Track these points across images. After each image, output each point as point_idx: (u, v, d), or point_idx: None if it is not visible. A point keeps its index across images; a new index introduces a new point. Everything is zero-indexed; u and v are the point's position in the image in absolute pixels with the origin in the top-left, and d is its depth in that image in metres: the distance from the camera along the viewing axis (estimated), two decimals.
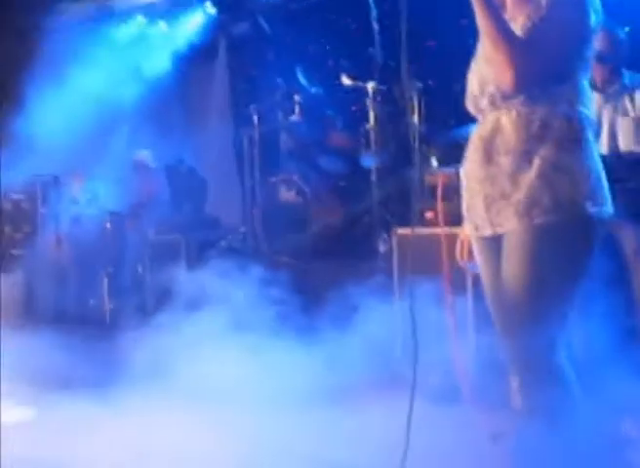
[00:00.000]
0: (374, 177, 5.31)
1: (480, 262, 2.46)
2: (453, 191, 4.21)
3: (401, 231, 4.40)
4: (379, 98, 5.38)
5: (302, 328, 4.28)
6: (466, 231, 2.47)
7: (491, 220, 2.29)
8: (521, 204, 2.20)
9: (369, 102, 5.38)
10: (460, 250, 2.60)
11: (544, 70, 2.18)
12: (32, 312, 7.55)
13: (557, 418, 2.26)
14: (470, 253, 2.57)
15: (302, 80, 6.15)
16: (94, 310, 7.05)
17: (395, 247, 4.40)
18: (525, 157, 2.21)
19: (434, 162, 4.78)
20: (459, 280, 3.92)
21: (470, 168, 2.37)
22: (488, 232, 2.32)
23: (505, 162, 2.24)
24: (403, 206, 5.22)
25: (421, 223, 4.36)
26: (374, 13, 5.43)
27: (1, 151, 7.48)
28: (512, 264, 2.25)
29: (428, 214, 4.28)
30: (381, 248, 4.90)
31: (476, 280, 3.86)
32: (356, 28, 5.74)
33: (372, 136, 5.37)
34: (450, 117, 5.27)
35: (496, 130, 2.28)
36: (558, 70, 2.21)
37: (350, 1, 5.95)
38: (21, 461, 3.23)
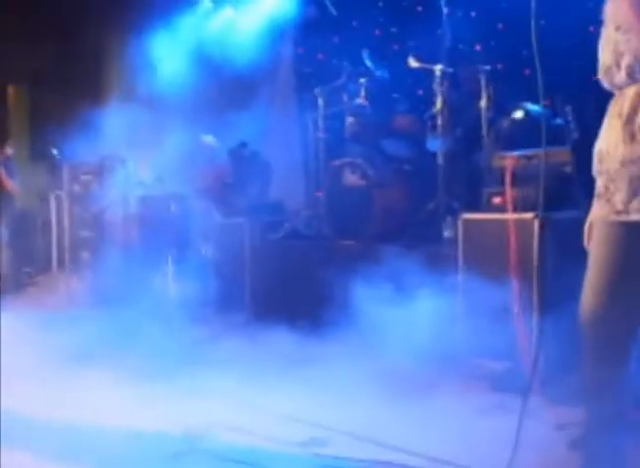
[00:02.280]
0: (440, 161, 5.23)
1: (602, 250, 2.26)
2: (522, 176, 4.14)
3: (467, 216, 4.34)
4: (446, 81, 5.29)
5: (363, 312, 4.28)
6: (599, 215, 2.26)
7: None
8: None
9: (436, 85, 5.29)
10: (588, 233, 2.39)
11: None
12: (100, 291, 7.72)
13: None
14: None
15: (368, 63, 6.08)
16: (158, 291, 7.16)
17: (461, 232, 4.33)
18: None
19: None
20: (526, 268, 3.86)
21: (609, 147, 2.18)
22: (636, 217, 2.13)
23: None
24: (469, 191, 5.13)
25: (489, 209, 4.28)
26: None
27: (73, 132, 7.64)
28: None
29: (496, 200, 4.19)
30: (446, 233, 4.84)
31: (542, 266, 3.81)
32: (423, 10, 5.66)
33: (438, 119, 5.29)
34: (518, 102, 5.15)
35: (638, 105, 2.10)
36: None
37: None
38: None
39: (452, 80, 5.39)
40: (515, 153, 4.19)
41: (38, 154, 9.33)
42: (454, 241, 4.48)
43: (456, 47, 5.43)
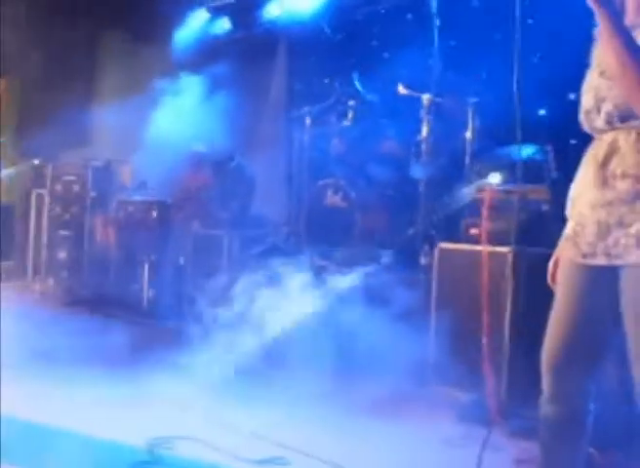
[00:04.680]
0: (421, 189, 5.28)
1: (568, 289, 2.27)
2: (500, 209, 4.19)
3: (443, 245, 4.38)
4: (433, 110, 5.35)
5: (334, 334, 4.29)
6: (566, 256, 2.27)
7: (607, 251, 2.12)
8: None
9: (423, 113, 5.35)
10: (552, 271, 2.41)
11: None
12: (75, 292, 7.68)
13: None
14: None
15: (358, 86, 6.15)
16: (133, 296, 7.14)
17: (436, 260, 4.37)
18: None
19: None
20: (498, 300, 3.90)
21: (582, 191, 2.21)
22: (601, 262, 2.14)
23: (623, 187, 2.08)
24: (448, 220, 5.18)
25: (466, 239, 4.33)
26: (436, 24, 5.44)
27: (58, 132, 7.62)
28: (632, 303, 2.08)
29: (473, 231, 4.24)
30: (423, 260, 4.88)
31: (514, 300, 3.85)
32: (416, 38, 5.71)
33: (423, 146, 5.34)
34: (503, 135, 5.22)
35: (612, 151, 2.12)
36: None
37: (413, 11, 5.97)
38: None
39: (439, 109, 5.45)
40: (494, 187, 4.25)
41: (24, 150, 9.30)
42: (429, 268, 4.52)
43: (445, 77, 5.49)
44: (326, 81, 6.63)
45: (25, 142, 9.27)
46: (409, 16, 6.21)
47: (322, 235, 5.72)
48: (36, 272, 8.31)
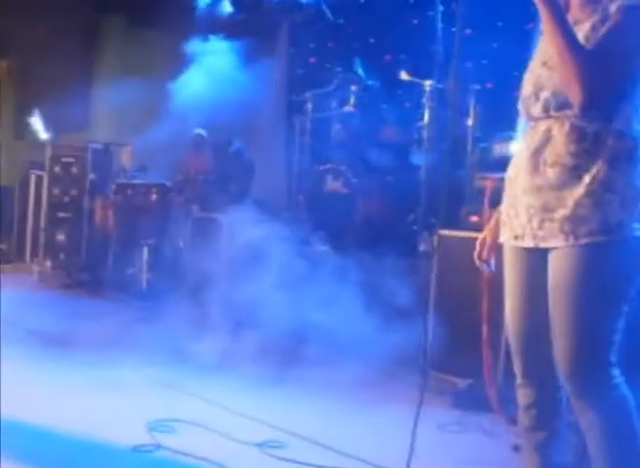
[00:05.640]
0: (422, 175, 5.27)
1: (510, 273, 2.36)
2: (501, 197, 4.18)
3: (443, 232, 4.37)
4: (435, 97, 5.33)
5: (331, 319, 4.30)
6: (503, 239, 2.37)
7: (533, 233, 2.21)
8: (567, 221, 2.12)
9: (425, 100, 5.34)
10: (479, 250, 2.54)
11: (608, 86, 2.08)
12: (74, 275, 7.69)
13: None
14: (490, 253, 2.51)
15: (360, 71, 6.13)
16: (131, 279, 7.14)
17: (436, 247, 4.36)
18: (573, 172, 2.12)
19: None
20: (497, 289, 3.90)
21: (516, 175, 2.30)
22: (529, 244, 2.24)
23: (552, 174, 2.16)
24: (449, 207, 5.17)
25: (466, 226, 4.32)
26: (439, 10, 5.39)
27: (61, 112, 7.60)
28: (557, 285, 2.15)
29: (473, 218, 4.24)
30: (422, 247, 4.87)
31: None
32: (418, 24, 5.70)
33: (425, 133, 5.34)
34: (505, 122, 5.21)
35: (546, 139, 2.19)
36: (620, 86, 2.11)
37: None
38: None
39: (441, 96, 5.44)
40: (496, 175, 4.23)
41: (23, 133, 9.28)
42: (429, 255, 4.51)
43: (447, 63, 5.47)
44: (327, 66, 6.61)
45: (25, 125, 9.25)
46: (411, 0, 6.19)
47: (322, 221, 5.72)
48: (34, 254, 8.31)
